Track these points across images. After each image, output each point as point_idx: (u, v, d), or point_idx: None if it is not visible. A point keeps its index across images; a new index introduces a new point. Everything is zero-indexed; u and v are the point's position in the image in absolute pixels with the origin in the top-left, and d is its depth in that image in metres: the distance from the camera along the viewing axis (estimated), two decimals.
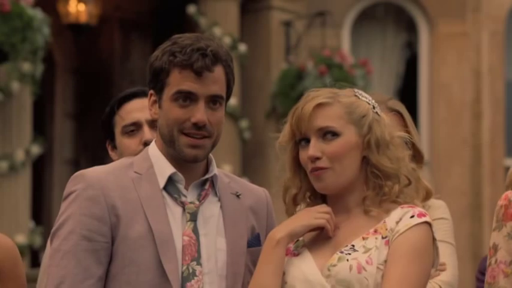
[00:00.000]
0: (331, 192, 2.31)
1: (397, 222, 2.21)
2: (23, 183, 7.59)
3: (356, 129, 2.28)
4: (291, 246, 2.33)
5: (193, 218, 2.30)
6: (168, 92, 2.28)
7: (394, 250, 2.18)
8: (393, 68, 10.40)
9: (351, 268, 2.19)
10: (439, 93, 9.96)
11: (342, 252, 2.23)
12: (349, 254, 2.22)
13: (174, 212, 2.29)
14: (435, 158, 9.71)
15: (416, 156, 2.94)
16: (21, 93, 7.46)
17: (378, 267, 2.18)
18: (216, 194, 2.37)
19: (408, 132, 2.91)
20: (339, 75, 8.60)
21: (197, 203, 2.31)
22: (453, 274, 2.81)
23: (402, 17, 10.34)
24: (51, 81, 10.04)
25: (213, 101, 2.28)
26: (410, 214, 2.21)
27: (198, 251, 2.28)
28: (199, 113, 2.25)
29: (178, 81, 2.26)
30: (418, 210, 2.23)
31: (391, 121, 2.76)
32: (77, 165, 10.30)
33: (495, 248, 2.42)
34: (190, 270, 2.26)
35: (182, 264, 2.25)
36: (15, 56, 6.93)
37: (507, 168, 3.23)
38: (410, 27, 10.33)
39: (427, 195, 2.92)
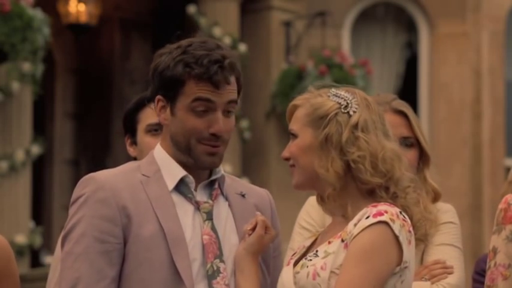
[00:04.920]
0: (301, 190, 2.36)
1: (355, 225, 2.19)
2: (23, 183, 7.59)
3: (312, 131, 2.29)
4: (294, 254, 2.37)
5: (210, 216, 2.33)
6: (184, 101, 2.29)
7: (346, 253, 2.17)
8: (393, 68, 10.41)
9: (308, 274, 2.20)
10: (439, 93, 9.96)
11: (306, 258, 2.25)
12: (311, 260, 2.22)
13: (185, 211, 2.31)
14: (435, 158, 9.69)
15: (423, 157, 2.94)
16: (21, 93, 7.46)
17: (332, 272, 2.17)
18: (222, 193, 2.41)
19: (413, 132, 2.91)
20: (339, 75, 8.61)
21: (211, 202, 2.35)
22: (460, 277, 2.81)
23: (402, 17, 10.35)
24: (51, 81, 10.04)
25: (228, 109, 2.32)
26: (367, 215, 2.18)
27: (220, 249, 2.31)
28: (218, 123, 2.29)
29: (195, 91, 2.28)
30: (376, 209, 2.19)
31: (395, 122, 2.75)
32: (77, 165, 10.30)
33: (494, 251, 2.43)
34: (215, 268, 2.29)
35: (206, 263, 2.28)
36: (15, 56, 6.92)
37: (507, 168, 3.25)
38: (410, 27, 10.33)
39: (436, 197, 2.92)
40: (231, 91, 2.33)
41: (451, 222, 2.91)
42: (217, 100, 2.29)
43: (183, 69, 2.27)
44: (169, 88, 2.30)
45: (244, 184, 2.51)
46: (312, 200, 2.96)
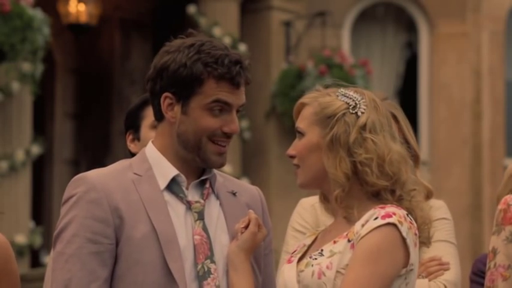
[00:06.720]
0: (306, 189, 2.35)
1: (363, 225, 2.18)
2: (23, 183, 7.59)
3: (320, 130, 2.29)
4: (294, 252, 2.36)
5: (201, 216, 2.31)
6: (201, 101, 2.28)
7: (353, 254, 2.17)
8: (393, 68, 10.41)
9: (313, 273, 2.19)
10: (439, 93, 9.96)
11: (311, 257, 2.24)
12: (316, 259, 2.22)
13: (177, 211, 2.30)
14: (435, 158, 9.71)
15: (412, 157, 2.95)
16: (21, 93, 7.46)
17: (338, 272, 2.17)
18: (214, 192, 2.40)
19: (402, 133, 2.92)
20: (339, 75, 8.60)
21: (202, 201, 2.34)
22: (457, 273, 2.84)
23: (402, 17, 10.35)
24: (51, 81, 10.04)
25: (239, 109, 2.34)
26: (375, 216, 2.18)
27: (211, 249, 2.30)
28: (234, 124, 2.30)
29: (214, 91, 2.27)
30: (384, 211, 2.18)
31: None
32: (77, 165, 10.30)
33: (494, 251, 2.43)
34: (206, 269, 2.27)
35: (197, 263, 2.26)
36: (15, 56, 6.92)
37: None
38: (410, 27, 10.33)
39: (428, 195, 2.94)
40: (243, 92, 2.34)
41: (444, 219, 2.95)
42: (234, 101, 2.30)
43: (204, 68, 2.26)
44: (183, 86, 2.28)
45: (235, 182, 2.50)
46: (304, 203, 2.97)
